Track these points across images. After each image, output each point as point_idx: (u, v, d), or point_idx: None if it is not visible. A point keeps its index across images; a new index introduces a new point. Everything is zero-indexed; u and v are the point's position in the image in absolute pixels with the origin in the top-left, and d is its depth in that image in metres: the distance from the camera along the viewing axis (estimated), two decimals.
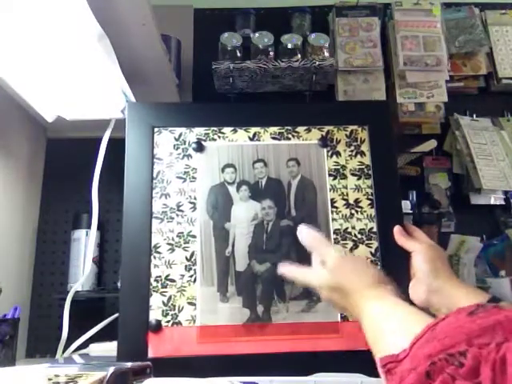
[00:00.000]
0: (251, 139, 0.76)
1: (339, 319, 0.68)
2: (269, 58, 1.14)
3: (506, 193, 1.18)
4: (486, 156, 1.17)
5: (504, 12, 1.31)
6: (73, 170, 1.13)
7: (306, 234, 0.65)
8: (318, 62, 1.11)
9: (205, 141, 0.76)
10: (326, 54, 1.16)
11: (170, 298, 0.68)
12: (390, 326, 0.46)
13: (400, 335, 0.41)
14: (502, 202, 1.19)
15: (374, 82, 1.21)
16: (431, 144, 1.18)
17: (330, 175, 0.75)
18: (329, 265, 0.59)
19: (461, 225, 1.16)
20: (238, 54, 1.15)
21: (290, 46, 1.15)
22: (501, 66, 1.25)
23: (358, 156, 0.76)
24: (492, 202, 1.18)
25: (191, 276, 0.69)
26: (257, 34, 1.16)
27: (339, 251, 0.63)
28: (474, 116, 1.26)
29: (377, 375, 0.59)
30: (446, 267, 0.66)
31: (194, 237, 0.71)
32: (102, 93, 0.83)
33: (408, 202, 1.12)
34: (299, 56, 1.15)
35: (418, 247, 0.67)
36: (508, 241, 1.14)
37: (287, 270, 0.63)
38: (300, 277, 0.63)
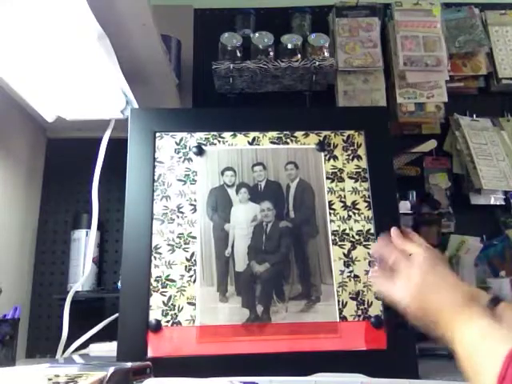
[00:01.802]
0: (250, 143, 0.77)
1: (338, 319, 0.68)
2: (269, 58, 1.14)
3: (505, 193, 1.18)
4: (486, 156, 1.17)
5: (504, 12, 1.31)
6: (73, 170, 1.14)
7: (377, 245, 0.64)
8: (317, 62, 1.11)
9: (205, 145, 0.77)
10: (326, 54, 1.16)
11: (169, 297, 0.68)
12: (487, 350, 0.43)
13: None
14: (502, 202, 1.19)
15: (374, 82, 1.21)
16: (431, 144, 1.18)
17: (327, 178, 0.76)
18: (413, 280, 0.56)
19: (461, 225, 1.16)
20: (238, 54, 1.15)
21: (290, 46, 1.15)
22: (501, 66, 1.26)
23: (355, 160, 0.77)
24: (492, 202, 1.19)
25: (191, 276, 0.69)
26: (257, 34, 1.16)
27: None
28: (474, 116, 1.26)
29: (376, 375, 0.60)
30: (448, 267, 0.66)
31: (194, 238, 0.71)
32: (102, 93, 0.83)
33: (408, 203, 1.12)
34: (299, 56, 1.15)
35: (416, 250, 0.67)
36: (508, 241, 1.14)
37: (376, 280, 0.63)
38: (385, 290, 0.60)
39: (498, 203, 1.19)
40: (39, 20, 0.64)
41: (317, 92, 1.24)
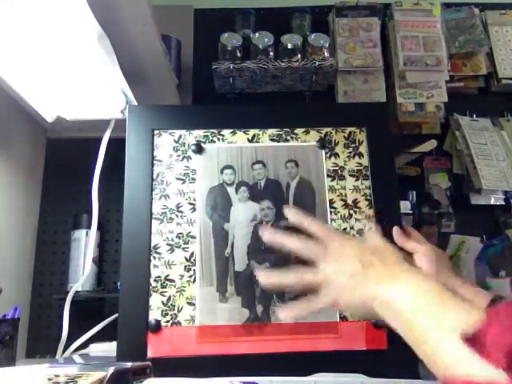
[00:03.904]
0: (250, 141, 0.77)
1: (338, 319, 0.68)
2: (269, 58, 1.14)
3: (505, 193, 1.18)
4: (486, 156, 1.17)
5: (504, 12, 1.31)
6: (73, 170, 1.14)
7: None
8: (317, 62, 1.11)
9: (204, 143, 0.76)
10: (326, 54, 1.16)
11: (169, 298, 0.68)
12: None
13: None
14: (502, 202, 1.19)
15: (374, 82, 1.22)
16: (431, 144, 1.18)
17: (328, 176, 0.75)
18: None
19: (461, 225, 1.16)
20: (238, 54, 1.15)
21: (289, 46, 1.15)
22: (501, 66, 1.26)
23: (356, 157, 0.76)
24: (492, 202, 1.18)
25: (190, 276, 0.69)
26: (257, 34, 1.16)
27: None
28: (474, 116, 1.26)
29: (377, 375, 0.60)
30: (450, 266, 0.66)
31: (193, 237, 0.71)
32: (102, 93, 0.83)
33: (408, 203, 1.12)
34: (299, 56, 1.15)
35: (420, 248, 0.67)
36: (508, 241, 1.14)
37: None
38: None
39: (498, 203, 1.19)
40: (39, 20, 0.64)
41: (317, 92, 1.24)
